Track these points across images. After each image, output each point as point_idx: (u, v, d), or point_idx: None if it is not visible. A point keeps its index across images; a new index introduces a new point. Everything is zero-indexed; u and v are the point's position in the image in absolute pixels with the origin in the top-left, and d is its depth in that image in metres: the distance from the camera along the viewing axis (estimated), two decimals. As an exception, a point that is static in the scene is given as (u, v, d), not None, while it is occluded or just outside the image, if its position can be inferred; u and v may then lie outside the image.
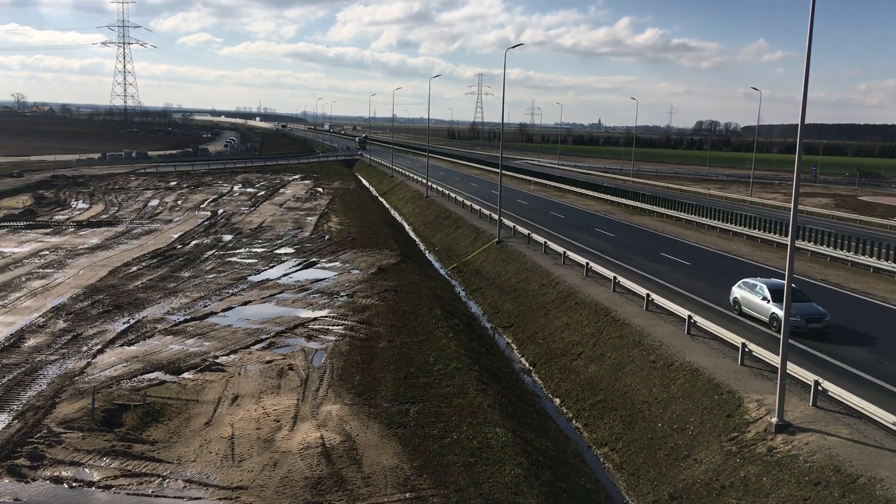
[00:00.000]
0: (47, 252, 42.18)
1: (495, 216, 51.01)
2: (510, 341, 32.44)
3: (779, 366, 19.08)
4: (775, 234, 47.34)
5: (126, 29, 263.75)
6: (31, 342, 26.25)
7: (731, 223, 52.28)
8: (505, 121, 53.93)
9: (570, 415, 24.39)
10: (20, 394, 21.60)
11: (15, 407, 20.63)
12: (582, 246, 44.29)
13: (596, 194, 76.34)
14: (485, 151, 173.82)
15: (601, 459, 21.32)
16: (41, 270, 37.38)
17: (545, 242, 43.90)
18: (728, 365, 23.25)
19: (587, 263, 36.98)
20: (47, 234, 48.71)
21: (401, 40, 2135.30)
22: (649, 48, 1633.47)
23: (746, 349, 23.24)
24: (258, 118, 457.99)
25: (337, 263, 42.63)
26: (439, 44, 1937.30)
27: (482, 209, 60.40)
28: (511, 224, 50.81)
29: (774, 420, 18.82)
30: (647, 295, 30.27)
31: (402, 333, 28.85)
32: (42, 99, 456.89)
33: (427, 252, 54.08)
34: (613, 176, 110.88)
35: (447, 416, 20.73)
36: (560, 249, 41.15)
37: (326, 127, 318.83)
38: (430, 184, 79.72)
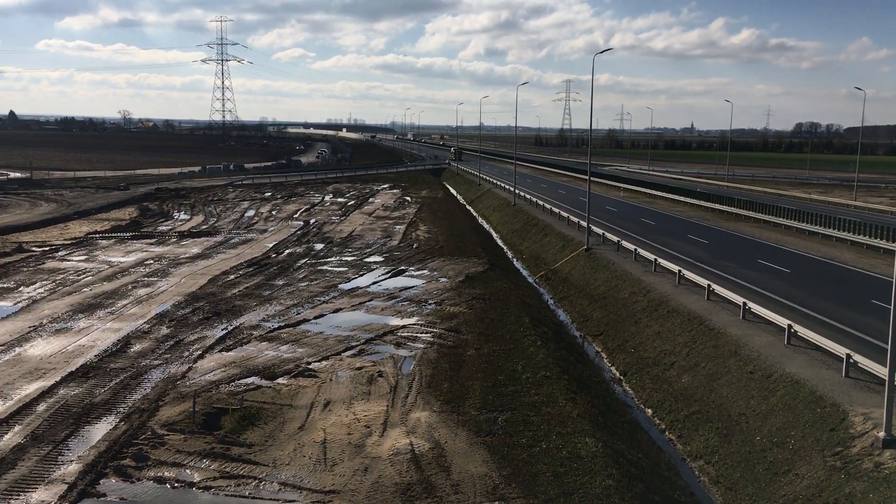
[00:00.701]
0: (151, 261, 44.21)
1: (583, 223, 50.42)
2: (600, 350, 31.96)
3: (886, 377, 18.12)
4: (882, 239, 44.97)
5: (224, 46, 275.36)
6: (136, 347, 27.56)
7: (834, 228, 49.99)
8: (593, 127, 53.30)
9: (663, 426, 23.82)
10: (126, 397, 22.70)
11: (121, 409, 21.69)
12: (673, 253, 43.26)
13: (688, 200, 74.35)
14: (572, 158, 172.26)
15: (696, 472, 20.73)
16: (146, 279, 39.21)
17: (635, 250, 43.08)
18: (831, 376, 22.24)
19: (679, 271, 36.07)
20: (151, 244, 51.07)
21: (488, 49, 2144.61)
22: (745, 49, 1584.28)
23: (851, 360, 22.17)
24: (345, 129, 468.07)
25: (425, 271, 43.04)
26: (527, 51, 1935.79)
27: (570, 216, 59.83)
28: (600, 231, 50.12)
29: (882, 435, 17.87)
30: (744, 303, 29.26)
31: (490, 341, 28.84)
32: (146, 115, 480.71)
33: (515, 260, 53.93)
34: (706, 181, 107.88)
35: (536, 425, 20.60)
36: (651, 257, 40.29)
37: (409, 136, 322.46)
38: (517, 191, 79.52)
